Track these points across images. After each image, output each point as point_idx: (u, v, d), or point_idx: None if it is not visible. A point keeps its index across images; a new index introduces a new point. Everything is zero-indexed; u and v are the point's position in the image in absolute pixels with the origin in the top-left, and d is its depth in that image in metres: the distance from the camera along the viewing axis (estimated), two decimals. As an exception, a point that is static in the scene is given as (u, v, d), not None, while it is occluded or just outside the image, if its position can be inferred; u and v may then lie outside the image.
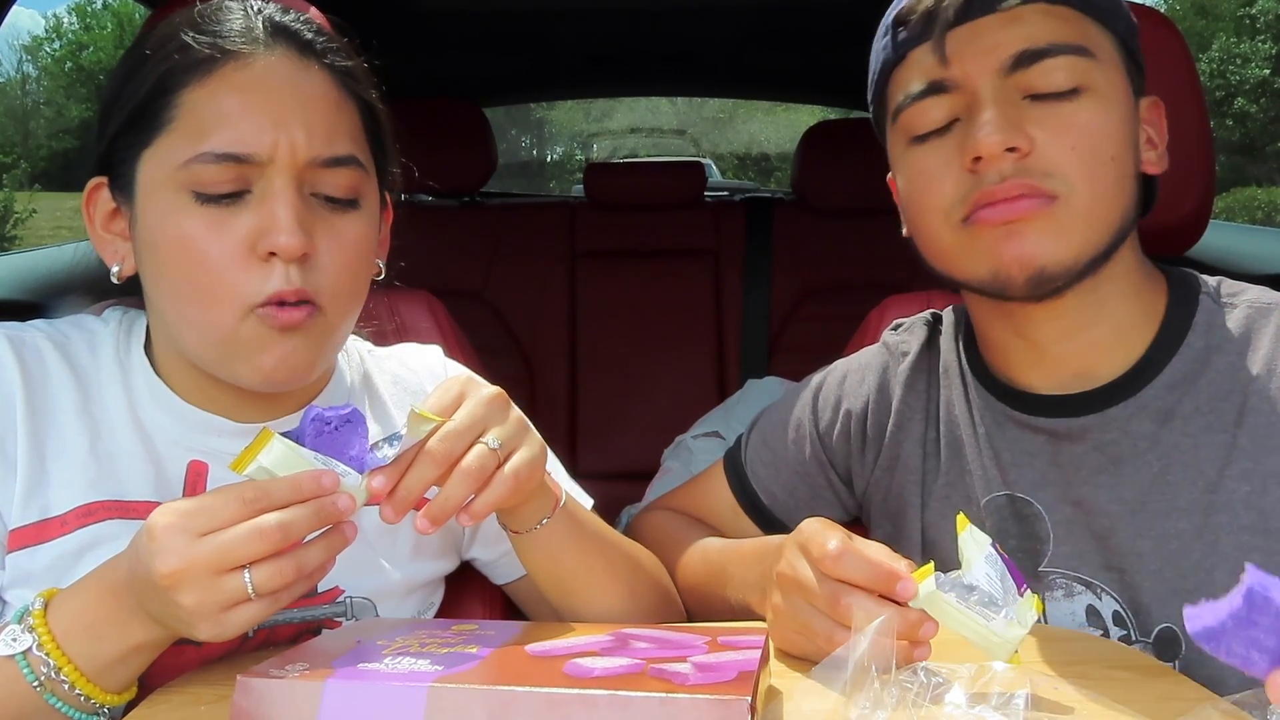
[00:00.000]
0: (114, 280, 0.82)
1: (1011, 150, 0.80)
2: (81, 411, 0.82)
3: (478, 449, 0.72)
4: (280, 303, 0.76)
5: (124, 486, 0.82)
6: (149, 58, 0.78)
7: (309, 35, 0.80)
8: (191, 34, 0.77)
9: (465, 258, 2.62)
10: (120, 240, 0.82)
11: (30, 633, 0.69)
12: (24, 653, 0.69)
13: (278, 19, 0.80)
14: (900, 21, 0.86)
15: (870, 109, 0.96)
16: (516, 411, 0.77)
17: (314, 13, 1.09)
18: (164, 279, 0.78)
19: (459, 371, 1.01)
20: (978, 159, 0.81)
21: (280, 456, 0.67)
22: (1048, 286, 0.82)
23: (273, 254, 0.75)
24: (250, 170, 0.75)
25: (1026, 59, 0.81)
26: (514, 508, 0.82)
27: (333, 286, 0.78)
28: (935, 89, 0.84)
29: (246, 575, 0.64)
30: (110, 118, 0.80)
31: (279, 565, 0.65)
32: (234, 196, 0.76)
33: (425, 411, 0.71)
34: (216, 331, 0.76)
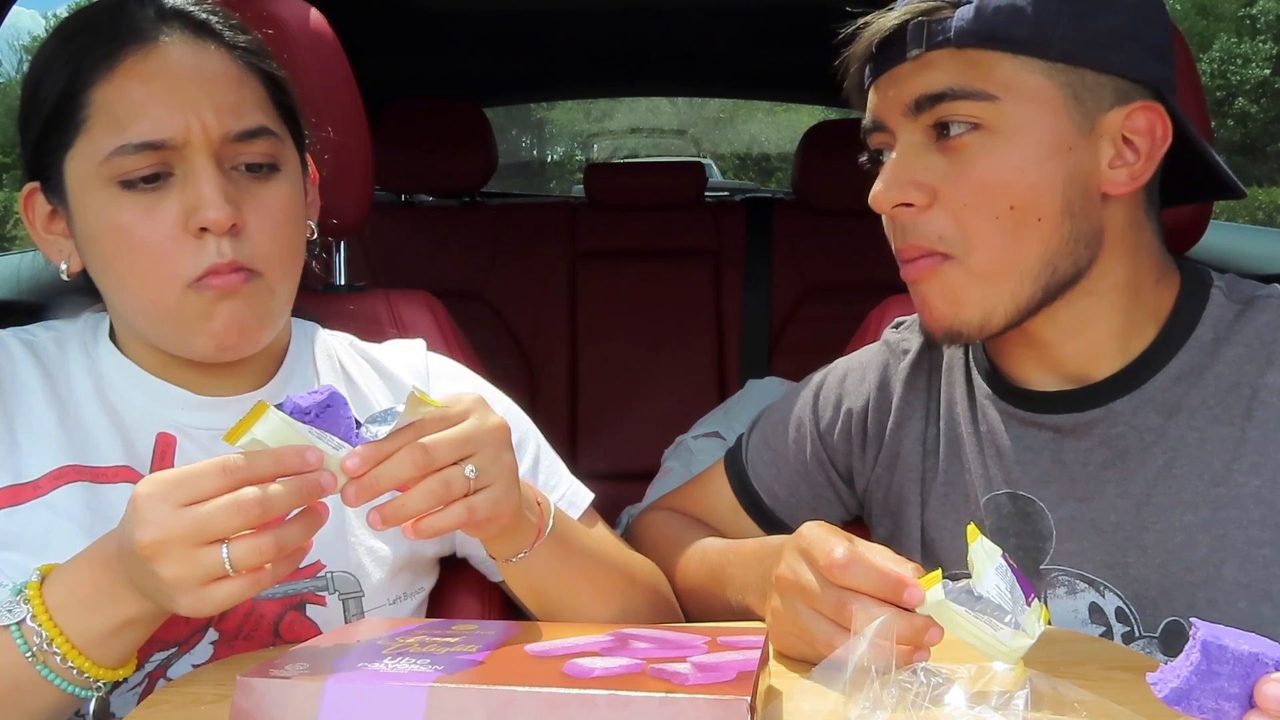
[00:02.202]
0: (64, 278, 0.86)
1: (909, 205, 0.83)
2: (49, 394, 0.86)
3: (454, 470, 0.71)
4: (215, 274, 0.80)
5: (93, 454, 0.85)
6: (53, 62, 0.81)
7: (203, 16, 0.84)
8: (90, 33, 0.80)
9: (465, 258, 2.62)
10: (62, 239, 0.86)
11: (25, 604, 0.70)
12: (18, 624, 0.70)
13: (168, 4, 0.83)
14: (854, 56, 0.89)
15: None
16: (510, 454, 0.76)
17: (314, 15, 1.10)
18: (107, 269, 0.82)
19: (441, 366, 1.02)
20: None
21: (275, 429, 0.67)
22: (968, 340, 0.87)
23: (203, 230, 0.79)
24: (169, 154, 0.79)
25: (926, 103, 0.82)
26: (489, 538, 0.82)
27: (266, 253, 0.82)
28: (876, 126, 0.88)
29: (224, 550, 0.64)
30: (29, 125, 0.83)
31: (257, 542, 0.65)
32: (158, 180, 0.79)
33: (426, 396, 0.71)
34: (160, 309, 0.81)
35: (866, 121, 0.89)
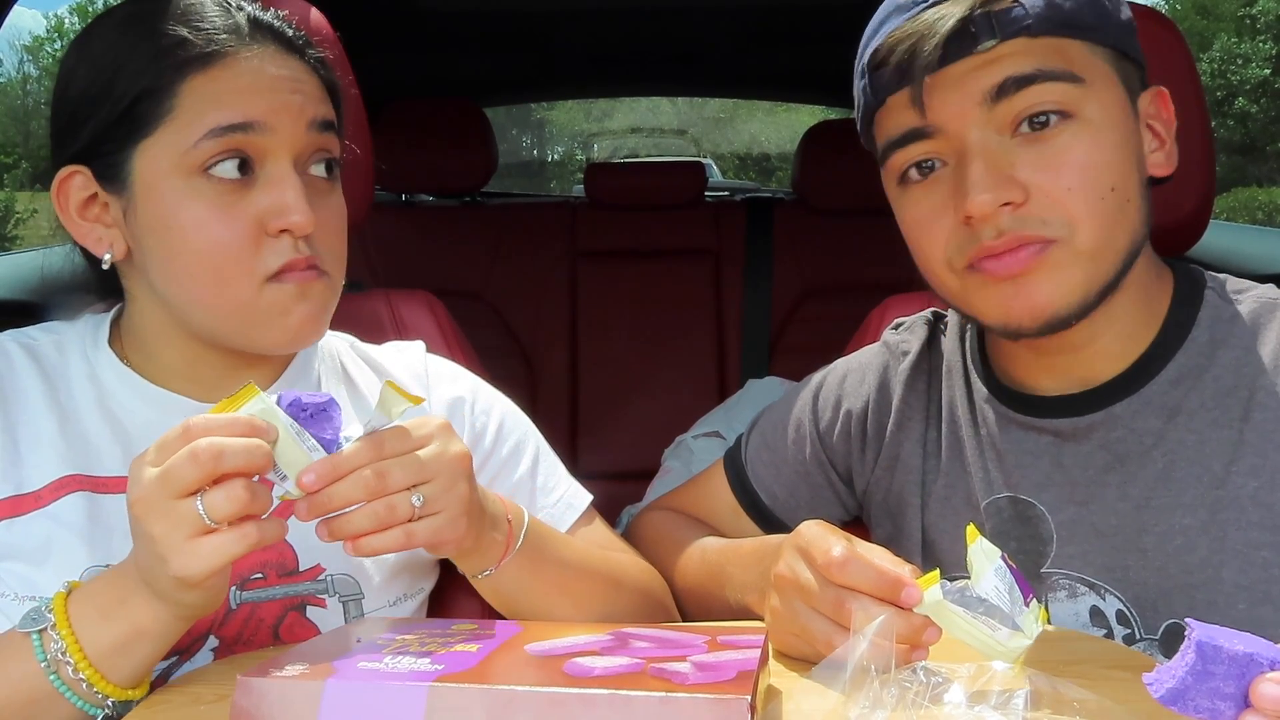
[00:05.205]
0: (104, 267, 0.85)
1: (1006, 205, 0.79)
2: (50, 401, 0.86)
3: (401, 496, 0.72)
4: (293, 269, 0.82)
5: (94, 463, 0.85)
6: (134, 53, 0.81)
7: (289, 32, 0.86)
8: (179, 30, 0.81)
9: (465, 258, 2.63)
10: (102, 226, 0.85)
11: (49, 614, 0.71)
12: (39, 632, 0.70)
13: (261, 17, 0.85)
14: (877, 65, 0.85)
15: (862, 139, 0.93)
16: (465, 486, 0.76)
17: (314, 15, 1.10)
18: (174, 263, 0.82)
19: (441, 368, 1.02)
20: (971, 217, 0.80)
21: (260, 415, 0.68)
22: (1062, 327, 0.82)
23: (283, 231, 0.81)
24: (253, 145, 0.80)
25: (1011, 86, 0.79)
26: (451, 556, 0.82)
27: (330, 254, 0.86)
28: (916, 135, 0.83)
29: (199, 502, 0.65)
30: (93, 112, 0.82)
31: (227, 488, 0.66)
32: (240, 179, 0.80)
33: (400, 388, 0.71)
34: (234, 305, 0.82)
35: (905, 129, 0.83)
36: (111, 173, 0.82)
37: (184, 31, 0.81)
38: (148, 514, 0.66)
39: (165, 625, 0.71)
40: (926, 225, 0.85)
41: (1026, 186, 0.79)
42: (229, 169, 0.80)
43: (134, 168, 0.81)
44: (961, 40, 0.79)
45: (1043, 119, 0.79)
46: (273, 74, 0.82)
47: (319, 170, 0.85)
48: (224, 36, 0.81)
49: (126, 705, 0.72)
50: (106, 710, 0.72)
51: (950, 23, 0.78)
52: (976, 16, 0.79)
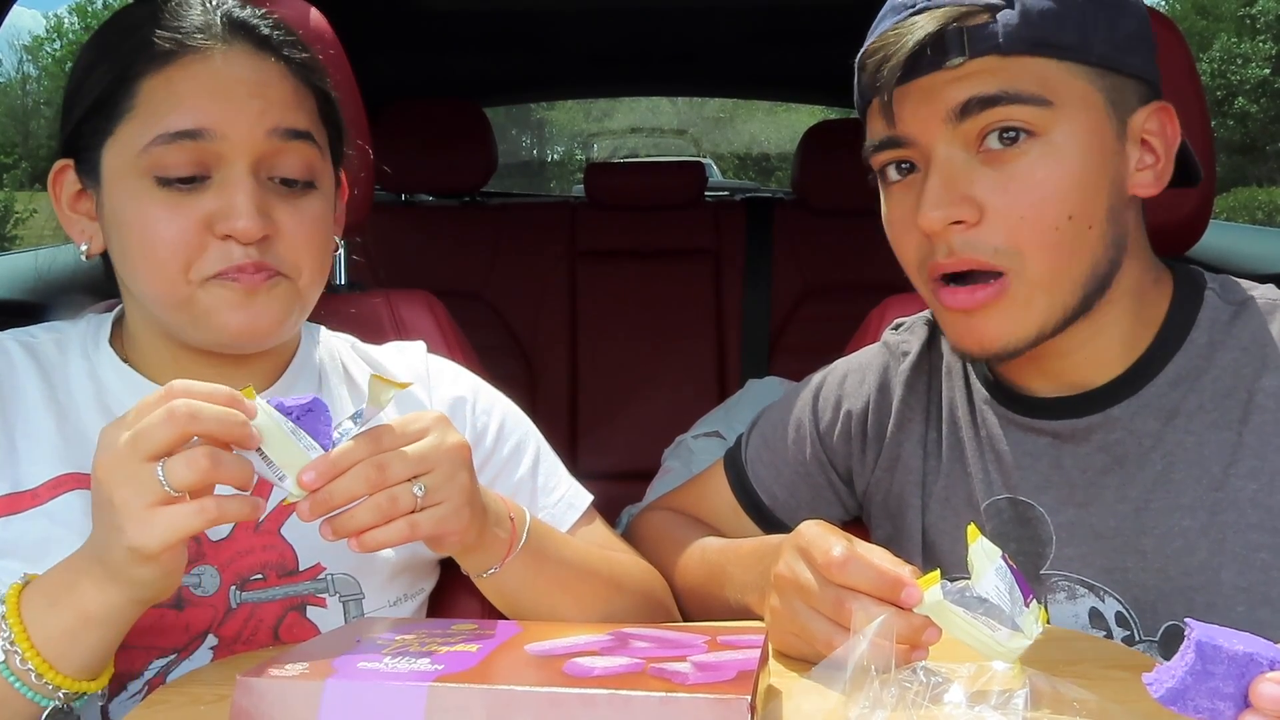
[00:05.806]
0: (83, 258, 0.87)
1: (959, 223, 0.80)
2: (48, 399, 0.86)
3: (403, 487, 0.72)
4: (240, 271, 0.81)
5: (90, 461, 0.83)
6: (111, 49, 0.83)
7: (266, 30, 0.85)
8: (152, 28, 0.81)
9: (465, 258, 2.63)
10: (86, 220, 0.87)
11: (2, 603, 0.70)
12: None
13: (236, 15, 0.84)
14: (861, 68, 0.85)
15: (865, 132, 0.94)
16: (466, 475, 0.76)
17: (314, 15, 1.10)
18: (125, 256, 0.83)
19: (442, 367, 1.02)
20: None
21: (261, 417, 0.68)
22: (1013, 356, 0.84)
23: (229, 236, 0.80)
24: (207, 151, 0.80)
25: (975, 105, 0.79)
26: (454, 553, 0.82)
27: (295, 258, 0.84)
28: (891, 143, 0.84)
29: (159, 468, 0.64)
30: (75, 105, 0.84)
31: (189, 454, 0.65)
32: (193, 181, 0.80)
33: (386, 379, 0.72)
34: (173, 301, 0.82)
35: (881, 136, 0.84)
36: (88, 168, 0.84)
37: (151, 30, 0.81)
38: (112, 476, 0.65)
39: (113, 610, 0.70)
40: (901, 230, 0.86)
41: (982, 206, 0.80)
42: (179, 173, 0.80)
43: (103, 164, 0.83)
44: (931, 54, 0.79)
45: (1012, 134, 0.79)
46: (232, 77, 0.81)
47: (285, 175, 0.84)
48: (187, 36, 0.81)
49: (80, 697, 0.71)
50: (57, 701, 0.70)
51: (918, 36, 0.79)
52: (949, 31, 0.79)
